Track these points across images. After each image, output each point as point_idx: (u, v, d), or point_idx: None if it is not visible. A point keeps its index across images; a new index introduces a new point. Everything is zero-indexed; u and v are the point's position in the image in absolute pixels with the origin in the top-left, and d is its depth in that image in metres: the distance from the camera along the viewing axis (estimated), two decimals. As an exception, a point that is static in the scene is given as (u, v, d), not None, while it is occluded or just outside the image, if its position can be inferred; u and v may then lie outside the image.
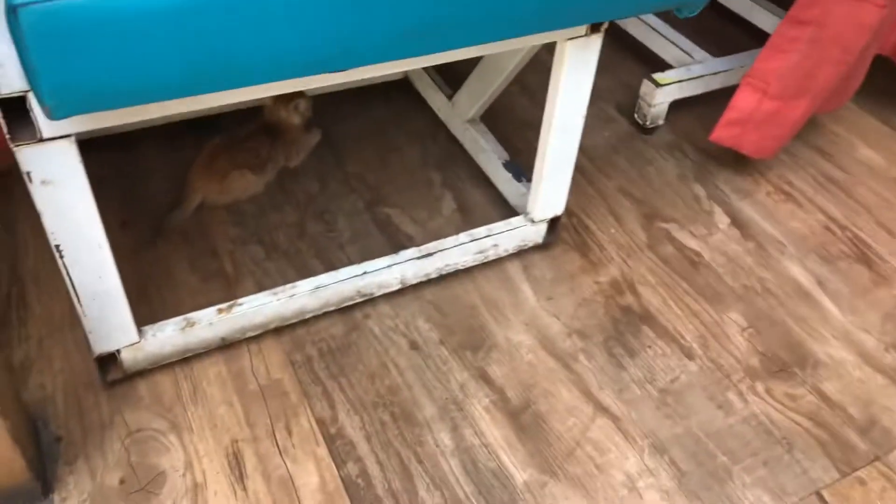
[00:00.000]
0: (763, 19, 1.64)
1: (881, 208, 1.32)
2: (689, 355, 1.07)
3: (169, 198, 1.21)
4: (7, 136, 0.73)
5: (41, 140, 0.74)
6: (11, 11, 0.60)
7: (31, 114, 0.72)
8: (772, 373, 1.05)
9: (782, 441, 0.97)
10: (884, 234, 1.27)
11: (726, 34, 1.73)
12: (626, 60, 1.63)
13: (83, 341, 1.01)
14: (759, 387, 1.03)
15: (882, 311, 1.15)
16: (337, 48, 0.71)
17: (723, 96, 1.50)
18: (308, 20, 0.68)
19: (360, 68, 0.81)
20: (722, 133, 1.30)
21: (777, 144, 1.31)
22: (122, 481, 0.87)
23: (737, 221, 1.28)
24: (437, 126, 1.41)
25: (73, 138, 0.75)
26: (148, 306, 1.06)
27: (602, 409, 0.99)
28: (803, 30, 1.17)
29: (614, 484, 0.92)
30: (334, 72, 0.77)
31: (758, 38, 1.68)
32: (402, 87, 1.50)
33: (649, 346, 1.07)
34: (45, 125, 0.73)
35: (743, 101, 1.26)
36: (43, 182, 0.76)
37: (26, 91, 0.70)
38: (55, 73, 0.64)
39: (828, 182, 1.37)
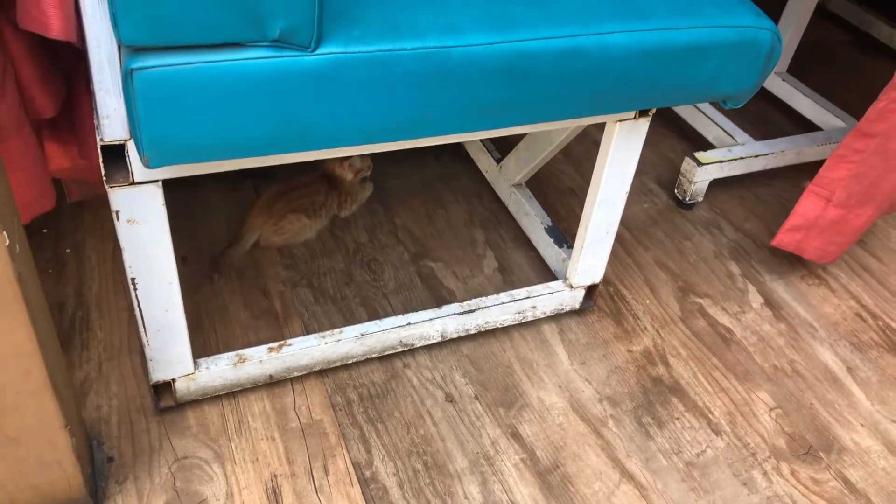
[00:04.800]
0: (804, 105, 1.69)
1: (914, 300, 1.35)
2: (717, 431, 1.09)
3: (227, 237, 1.28)
4: (103, 178, 0.80)
5: (132, 183, 0.81)
6: (128, 73, 0.68)
7: (127, 159, 0.79)
8: (797, 455, 1.07)
9: (804, 524, 0.99)
10: (915, 325, 1.30)
11: (768, 118, 1.79)
12: (670, 137, 1.69)
13: (139, 368, 1.07)
14: (785, 468, 1.05)
15: (910, 402, 1.17)
16: (411, 122, 0.78)
17: (762, 179, 1.54)
18: (387, 97, 0.75)
19: (427, 138, 0.88)
20: (784, 238, 1.29)
21: (840, 250, 1.31)
22: (167, 505, 0.92)
23: (770, 302, 1.31)
24: (484, 187, 1.48)
25: (160, 183, 0.83)
26: (201, 338, 1.12)
27: (628, 476, 1.02)
28: (869, 142, 1.19)
29: (636, 552, 0.94)
30: (405, 140, 0.84)
31: (799, 123, 1.74)
32: (452, 148, 1.57)
33: (678, 418, 1.10)
34: (137, 170, 0.80)
35: (807, 208, 1.26)
36: (129, 221, 0.83)
37: (126, 140, 0.78)
38: (157, 128, 0.71)
39: (862, 270, 1.40)
